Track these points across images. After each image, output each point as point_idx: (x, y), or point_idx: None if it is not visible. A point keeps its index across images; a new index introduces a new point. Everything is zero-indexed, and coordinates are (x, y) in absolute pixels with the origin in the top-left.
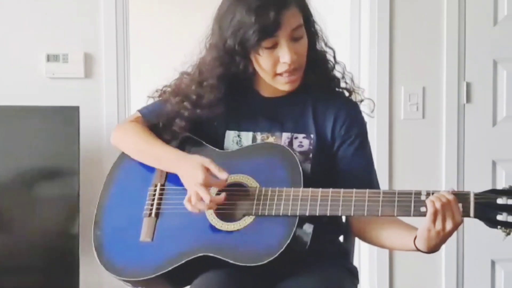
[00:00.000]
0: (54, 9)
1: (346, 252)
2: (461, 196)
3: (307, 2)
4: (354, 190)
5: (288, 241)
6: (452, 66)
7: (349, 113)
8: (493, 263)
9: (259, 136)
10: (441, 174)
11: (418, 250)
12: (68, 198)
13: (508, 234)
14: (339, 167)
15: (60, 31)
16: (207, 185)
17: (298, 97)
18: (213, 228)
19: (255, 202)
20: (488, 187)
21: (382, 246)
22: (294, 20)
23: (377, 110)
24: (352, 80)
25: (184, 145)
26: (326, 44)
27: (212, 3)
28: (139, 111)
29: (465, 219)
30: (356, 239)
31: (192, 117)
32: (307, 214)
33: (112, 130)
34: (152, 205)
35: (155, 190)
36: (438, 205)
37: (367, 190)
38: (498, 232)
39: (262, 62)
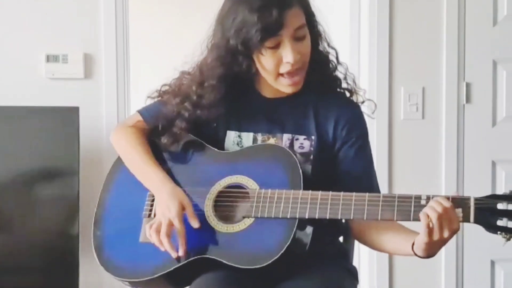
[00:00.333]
0: (54, 9)
1: (346, 253)
2: (461, 201)
3: (310, 1)
4: (354, 193)
5: (288, 243)
6: (451, 66)
7: (350, 114)
8: (492, 263)
9: (259, 137)
10: (440, 175)
11: (416, 255)
12: (68, 198)
13: (508, 239)
14: (340, 169)
15: (60, 31)
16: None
17: (299, 98)
18: (213, 230)
19: (254, 204)
20: (488, 187)
21: (381, 250)
22: (297, 20)
23: (377, 110)
24: (354, 81)
25: (185, 146)
26: (329, 45)
27: (212, 3)
28: (139, 112)
29: None
30: None
31: (192, 118)
32: (306, 216)
33: (112, 130)
34: (151, 205)
35: None
36: (433, 218)
37: (367, 194)
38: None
39: (265, 62)
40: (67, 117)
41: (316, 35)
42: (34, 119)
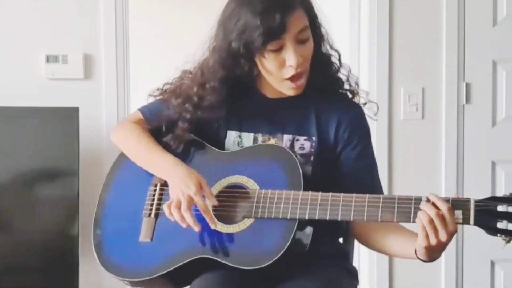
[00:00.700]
0: (54, 10)
1: (346, 253)
2: (461, 204)
3: (313, 4)
4: (354, 194)
5: (288, 244)
6: (451, 66)
7: (352, 116)
8: (492, 263)
9: (260, 138)
10: (440, 175)
11: (420, 259)
12: (68, 199)
13: (508, 242)
14: (341, 170)
15: (60, 31)
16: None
17: (301, 99)
18: (213, 230)
19: (254, 204)
20: (488, 187)
21: (384, 253)
22: (300, 22)
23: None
24: (356, 83)
25: (186, 145)
26: (331, 47)
27: (213, 3)
28: (140, 110)
29: None
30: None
31: (193, 119)
32: (306, 217)
33: (112, 129)
34: (152, 205)
35: (155, 190)
36: (425, 222)
37: (367, 195)
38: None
39: (268, 65)
40: (67, 117)
41: (318, 37)
42: (34, 119)
